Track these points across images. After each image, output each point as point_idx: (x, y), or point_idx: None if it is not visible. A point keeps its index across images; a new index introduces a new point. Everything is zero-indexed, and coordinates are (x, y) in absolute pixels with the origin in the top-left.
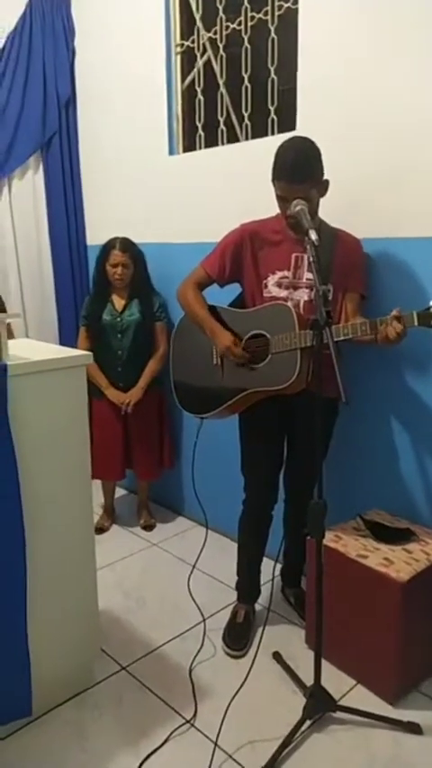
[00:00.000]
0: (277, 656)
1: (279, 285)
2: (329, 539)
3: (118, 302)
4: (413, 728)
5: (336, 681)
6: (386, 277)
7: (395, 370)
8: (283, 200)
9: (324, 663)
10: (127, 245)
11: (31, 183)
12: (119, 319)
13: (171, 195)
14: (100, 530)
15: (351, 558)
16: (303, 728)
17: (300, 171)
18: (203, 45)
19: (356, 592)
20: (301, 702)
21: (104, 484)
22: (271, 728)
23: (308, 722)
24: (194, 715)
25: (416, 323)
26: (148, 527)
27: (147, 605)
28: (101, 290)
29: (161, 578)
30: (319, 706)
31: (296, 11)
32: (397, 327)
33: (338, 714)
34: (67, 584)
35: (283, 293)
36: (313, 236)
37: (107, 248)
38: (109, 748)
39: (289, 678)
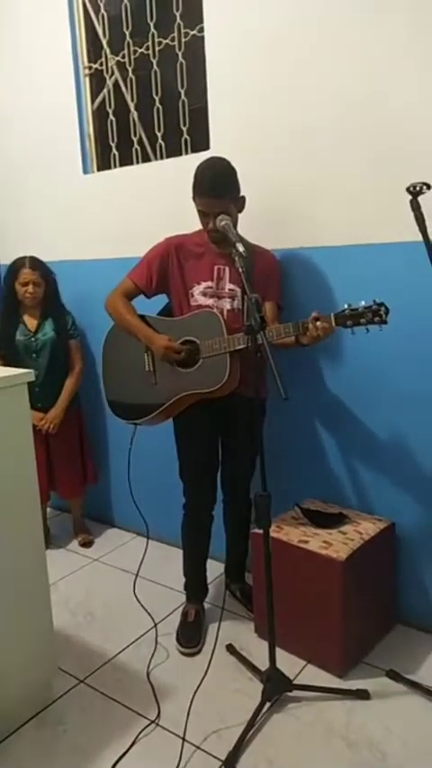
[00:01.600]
0: (231, 648)
1: (204, 294)
2: (272, 529)
3: (30, 322)
4: (362, 695)
5: (288, 663)
6: (300, 285)
7: (313, 368)
8: (204, 215)
9: (276, 648)
10: (36, 263)
11: None
12: (33, 339)
13: (86, 213)
14: None
15: (293, 544)
16: (264, 711)
17: (218, 187)
18: (112, 68)
19: (301, 576)
20: (259, 688)
21: None
22: (234, 716)
23: (267, 704)
24: (158, 715)
25: (333, 324)
26: (87, 544)
27: (96, 619)
28: (11, 310)
29: (107, 591)
30: (276, 688)
31: (202, 38)
32: (324, 323)
33: (294, 693)
34: (19, 603)
35: (209, 302)
36: (240, 247)
37: (16, 267)
38: (78, 761)
39: (244, 668)
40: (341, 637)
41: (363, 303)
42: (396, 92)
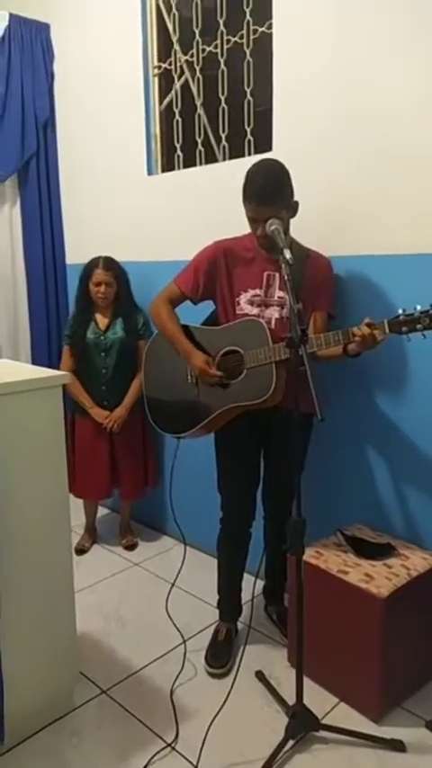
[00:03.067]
0: (260, 675)
1: (251, 303)
2: (310, 554)
3: (101, 321)
4: (397, 746)
5: (319, 699)
6: (354, 294)
7: (369, 388)
8: (253, 220)
9: (307, 681)
10: (110, 263)
11: (6, 205)
12: (102, 338)
13: (150, 214)
14: (81, 551)
15: (332, 573)
16: (286, 749)
17: (268, 193)
18: (181, 67)
19: (337, 608)
20: (284, 722)
21: (86, 503)
22: (253, 750)
23: (291, 742)
24: (176, 738)
25: (387, 330)
26: (131, 547)
27: (127, 627)
28: (84, 308)
29: (142, 599)
30: (302, 725)
31: (270, 35)
32: (367, 331)
33: (322, 733)
34: (43, 607)
35: (255, 311)
36: (287, 254)
37: (90, 267)
38: None
39: (272, 697)
40: (378, 678)
41: (419, 308)
42: None
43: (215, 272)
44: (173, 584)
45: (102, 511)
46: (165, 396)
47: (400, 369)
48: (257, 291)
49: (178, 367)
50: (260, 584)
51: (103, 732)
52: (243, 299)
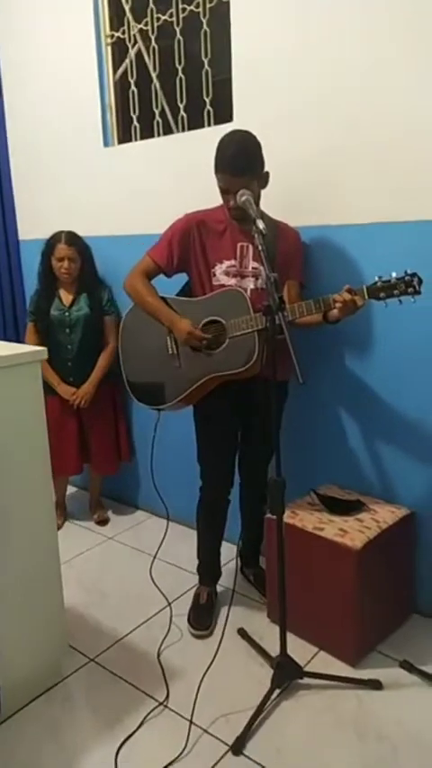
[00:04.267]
0: (242, 633)
1: (227, 274)
2: (287, 515)
3: (65, 297)
4: (374, 685)
5: (300, 650)
6: (325, 263)
7: (341, 353)
8: (225, 191)
9: (287, 634)
10: (73, 238)
11: None
12: (67, 314)
13: (107, 187)
14: None
15: (308, 531)
16: (273, 697)
17: (241, 163)
18: (134, 36)
19: (315, 563)
20: (269, 674)
21: (56, 480)
22: (243, 701)
23: (277, 691)
24: (167, 697)
25: (366, 296)
26: (102, 522)
27: (109, 597)
28: (47, 284)
29: (121, 570)
30: (287, 674)
31: (228, 4)
32: (348, 297)
33: (305, 680)
34: (31, 581)
35: (232, 281)
36: (260, 224)
37: (52, 242)
38: (84, 739)
39: (255, 652)
40: (354, 625)
41: (394, 274)
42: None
43: (188, 244)
44: (156, 554)
45: (70, 488)
46: (144, 369)
47: (368, 330)
48: (233, 262)
49: (157, 339)
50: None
51: (96, 697)
52: (219, 269)
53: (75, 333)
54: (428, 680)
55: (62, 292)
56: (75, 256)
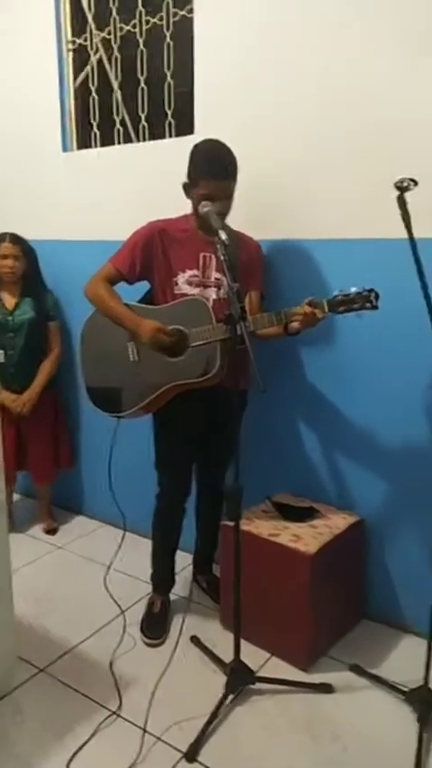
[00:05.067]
0: (195, 640)
1: (190, 283)
2: (242, 522)
3: (8, 300)
4: (326, 689)
5: (253, 656)
6: (284, 276)
7: (297, 363)
8: (209, 198)
9: (240, 640)
10: (17, 238)
11: None
12: (10, 318)
13: (64, 192)
14: None
15: (263, 537)
16: (227, 703)
17: (228, 167)
18: (96, 45)
19: (269, 569)
20: (223, 680)
21: None
22: (196, 708)
23: (231, 697)
24: (120, 706)
25: (326, 310)
26: (51, 531)
27: (60, 607)
28: None
29: (72, 580)
30: (240, 680)
31: (191, 19)
32: (309, 310)
33: (258, 685)
34: None
35: (194, 291)
36: (223, 235)
37: None
38: (34, 751)
39: (208, 659)
40: (307, 630)
41: (354, 289)
42: (394, 83)
43: (151, 252)
44: (111, 563)
45: (18, 497)
46: (104, 376)
47: (325, 342)
48: (195, 272)
49: (118, 346)
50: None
51: (46, 708)
52: (181, 278)
53: (18, 337)
54: (377, 683)
55: (5, 295)
56: (19, 254)
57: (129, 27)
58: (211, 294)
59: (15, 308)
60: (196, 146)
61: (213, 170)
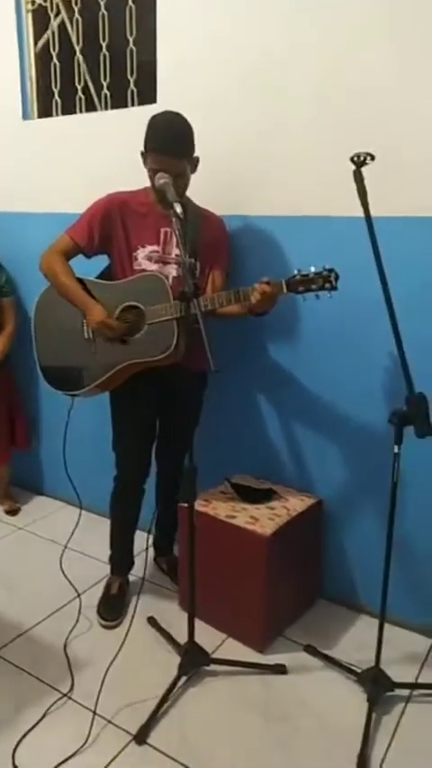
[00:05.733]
0: (152, 621)
1: (149, 259)
2: (199, 504)
3: None
4: (280, 669)
5: (208, 637)
6: (247, 254)
7: (258, 343)
8: (156, 172)
9: (197, 622)
10: None
11: None
12: None
13: (23, 161)
14: None
15: (220, 519)
16: (180, 684)
17: (177, 145)
18: (57, 5)
19: (226, 551)
20: (177, 662)
21: None
22: (149, 690)
23: (184, 678)
24: (71, 688)
25: (285, 290)
26: (12, 512)
27: (16, 590)
28: None
29: (30, 562)
30: (193, 662)
31: None
32: (266, 288)
33: (212, 667)
34: None
35: (153, 267)
36: (178, 208)
37: None
38: None
39: (164, 640)
40: (262, 612)
41: (313, 269)
42: (359, 56)
43: (110, 224)
44: (66, 545)
45: None
46: (58, 353)
47: (284, 321)
48: (155, 248)
49: (73, 323)
50: (150, 538)
51: None
52: (141, 254)
53: None
54: (330, 663)
55: None
56: None
57: None
58: (171, 271)
59: None
60: (153, 117)
61: (162, 146)
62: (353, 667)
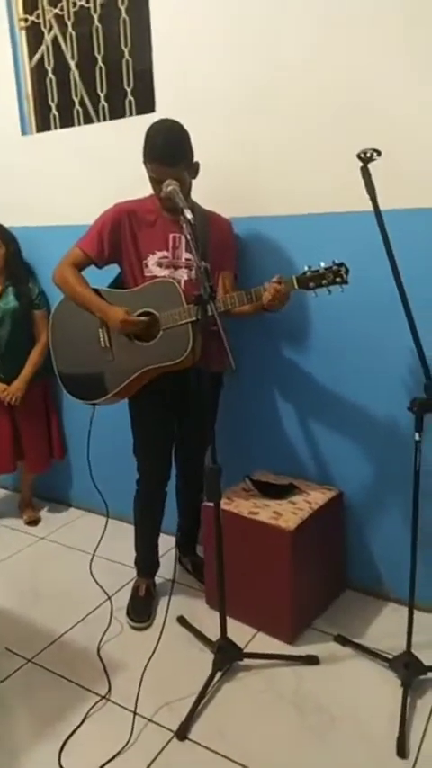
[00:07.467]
0: (182, 620)
1: (160, 265)
2: (222, 502)
3: None
4: (311, 660)
5: (239, 633)
6: (255, 254)
7: (274, 341)
8: (156, 181)
9: (226, 618)
10: None
11: None
12: None
13: (26, 176)
14: None
15: (244, 516)
16: (215, 681)
17: (172, 153)
18: (50, 21)
19: (251, 547)
20: (210, 658)
21: None
22: (185, 687)
23: (218, 674)
24: (109, 690)
25: (296, 286)
26: (33, 522)
27: (45, 597)
28: None
29: (56, 569)
30: (227, 657)
31: None
32: (278, 287)
33: (245, 661)
34: None
35: (164, 272)
36: (188, 214)
37: None
38: (25, 740)
39: (196, 639)
40: (290, 604)
41: (322, 264)
42: (356, 54)
43: (119, 234)
44: (95, 551)
45: None
46: (77, 363)
47: (303, 320)
48: (165, 253)
49: (89, 333)
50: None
51: (35, 697)
52: (151, 260)
53: (3, 327)
54: (361, 651)
55: None
56: None
57: (82, 2)
58: (182, 275)
59: None
60: (150, 127)
61: (158, 154)
62: (384, 654)
